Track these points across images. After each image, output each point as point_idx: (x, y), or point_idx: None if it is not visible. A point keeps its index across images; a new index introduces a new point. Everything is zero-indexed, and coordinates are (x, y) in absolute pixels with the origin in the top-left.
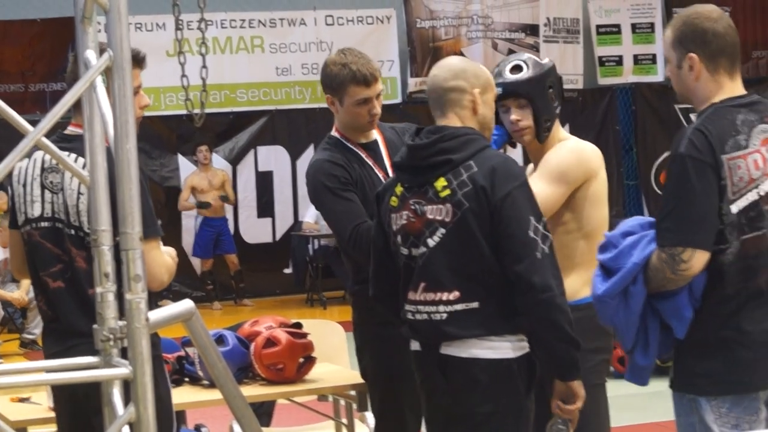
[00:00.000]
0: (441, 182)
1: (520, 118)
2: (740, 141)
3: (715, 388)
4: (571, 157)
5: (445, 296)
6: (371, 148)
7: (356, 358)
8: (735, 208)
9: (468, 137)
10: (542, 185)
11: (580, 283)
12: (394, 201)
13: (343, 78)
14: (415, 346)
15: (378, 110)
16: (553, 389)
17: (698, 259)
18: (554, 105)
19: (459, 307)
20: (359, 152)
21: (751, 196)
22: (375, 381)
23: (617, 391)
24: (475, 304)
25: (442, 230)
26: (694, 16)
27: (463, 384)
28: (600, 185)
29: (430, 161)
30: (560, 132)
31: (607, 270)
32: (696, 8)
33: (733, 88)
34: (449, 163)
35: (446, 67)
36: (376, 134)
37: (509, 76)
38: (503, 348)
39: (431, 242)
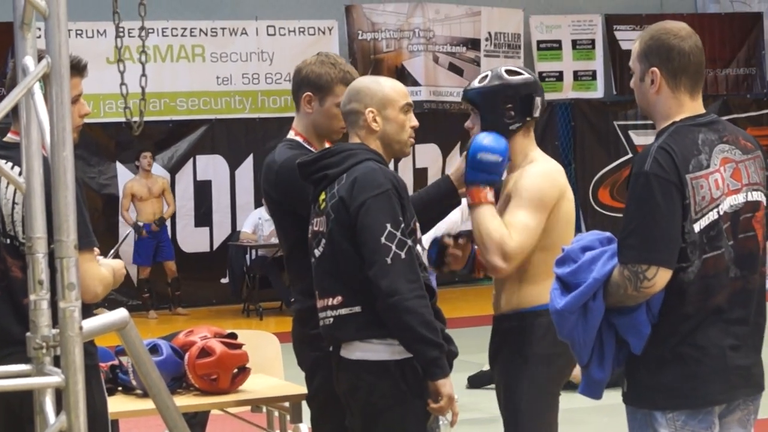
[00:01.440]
0: (322, 196)
1: (472, 125)
2: (702, 160)
3: (671, 402)
4: (544, 182)
5: (330, 301)
6: None
7: (305, 376)
8: (697, 227)
9: (349, 152)
10: (525, 217)
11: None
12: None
13: (333, 77)
14: (331, 348)
15: None
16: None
17: (661, 277)
18: (508, 121)
19: (343, 311)
20: None
21: (712, 216)
22: (330, 402)
23: (570, 404)
24: (357, 308)
25: (324, 240)
26: (662, 32)
27: (352, 384)
28: (569, 204)
29: (313, 177)
30: (531, 150)
31: (565, 284)
32: (665, 24)
33: (694, 107)
34: (326, 178)
35: (347, 91)
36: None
37: (473, 84)
38: (382, 351)
39: (317, 252)
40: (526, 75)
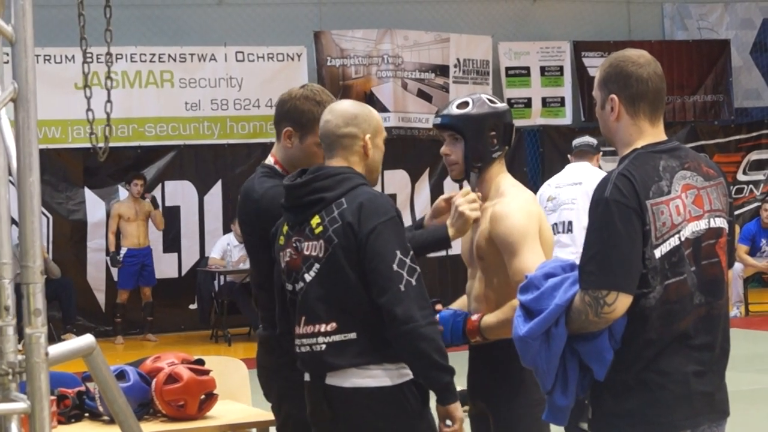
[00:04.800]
0: (316, 220)
1: (450, 153)
2: (663, 187)
3: (635, 428)
4: (522, 218)
5: (323, 328)
6: None
7: (272, 407)
8: (658, 253)
9: (343, 176)
10: (529, 257)
11: None
12: (281, 240)
13: (316, 116)
14: (306, 377)
15: None
16: (437, 411)
17: (622, 303)
18: (492, 149)
19: (337, 338)
20: None
21: (673, 242)
22: (301, 429)
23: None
24: (352, 335)
25: (317, 265)
26: (620, 59)
27: (346, 413)
28: (547, 229)
29: (305, 200)
30: (502, 179)
31: (528, 311)
32: (625, 52)
33: (655, 133)
34: (322, 201)
35: (339, 114)
36: None
37: (453, 110)
38: (382, 376)
39: (308, 277)
40: (504, 104)
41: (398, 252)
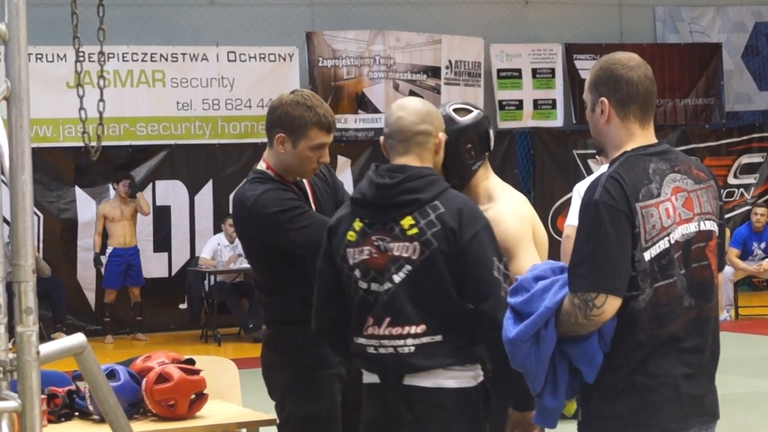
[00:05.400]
0: (408, 221)
1: None
2: (653, 189)
3: (625, 430)
4: (516, 222)
5: (412, 330)
6: (300, 187)
7: (275, 404)
8: (648, 255)
9: (431, 178)
10: (521, 261)
11: None
12: (351, 236)
13: (307, 120)
14: (371, 378)
15: (327, 159)
16: (509, 418)
17: (611, 305)
18: (470, 162)
19: (425, 339)
20: (293, 189)
21: (663, 244)
22: (306, 427)
23: None
24: (438, 337)
25: (408, 267)
26: (611, 62)
27: (428, 413)
28: (541, 231)
29: (397, 200)
30: (490, 183)
31: (518, 313)
32: (615, 55)
33: (645, 136)
34: (417, 202)
35: (413, 111)
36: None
37: None
38: (465, 377)
39: (397, 278)
40: (476, 111)
41: (495, 259)
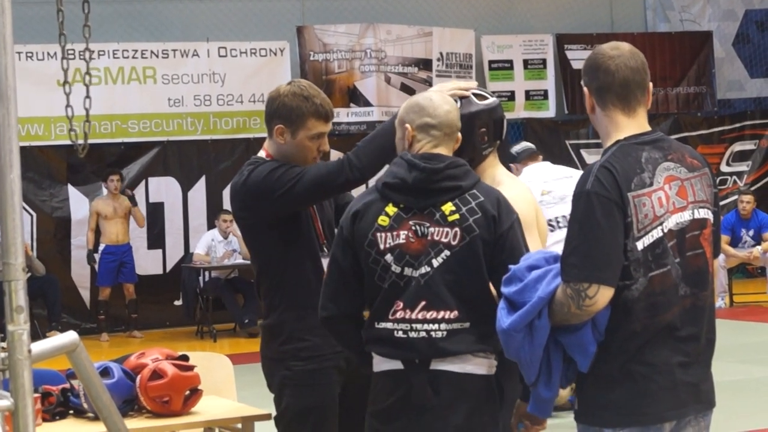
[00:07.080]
0: (449, 207)
1: None
2: (645, 178)
3: (621, 419)
4: (524, 206)
5: (447, 314)
6: None
7: (274, 398)
8: (640, 245)
9: (467, 168)
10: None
11: None
12: (384, 220)
13: (305, 110)
14: (390, 365)
15: (327, 147)
16: (517, 410)
17: (603, 295)
18: (482, 146)
19: (456, 325)
20: None
21: (656, 234)
22: (301, 419)
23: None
24: (467, 324)
25: (447, 252)
26: (596, 52)
27: (454, 396)
28: (542, 219)
29: (440, 186)
30: (496, 171)
31: (511, 303)
32: (604, 45)
33: (635, 125)
34: (459, 189)
35: (455, 107)
36: None
37: None
38: (487, 365)
39: (435, 263)
40: (493, 98)
41: (525, 250)
